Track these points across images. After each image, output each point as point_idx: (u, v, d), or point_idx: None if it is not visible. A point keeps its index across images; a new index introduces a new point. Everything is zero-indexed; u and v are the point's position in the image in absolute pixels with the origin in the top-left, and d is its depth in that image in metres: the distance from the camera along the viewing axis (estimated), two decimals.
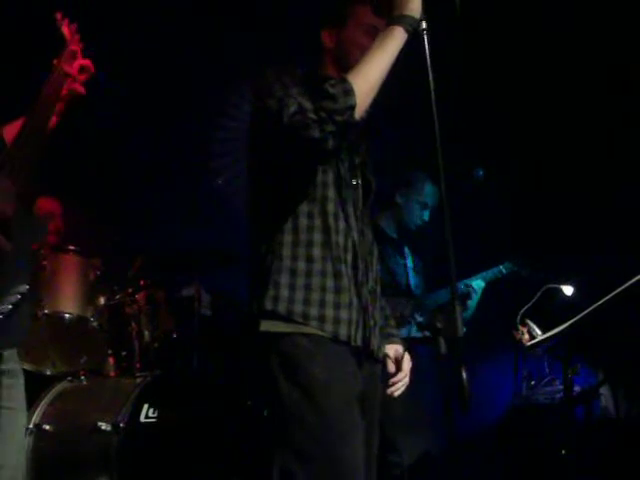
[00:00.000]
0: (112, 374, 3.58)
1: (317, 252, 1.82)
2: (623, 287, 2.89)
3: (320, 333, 1.78)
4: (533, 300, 3.74)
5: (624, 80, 4.01)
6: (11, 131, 1.99)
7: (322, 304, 1.80)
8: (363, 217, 1.98)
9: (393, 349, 2.07)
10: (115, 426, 2.90)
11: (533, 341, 3.45)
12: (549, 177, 4.37)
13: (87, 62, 2.17)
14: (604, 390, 3.46)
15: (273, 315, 1.79)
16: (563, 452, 3.25)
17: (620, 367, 3.38)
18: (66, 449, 2.94)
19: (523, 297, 3.77)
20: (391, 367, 2.05)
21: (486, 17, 3.80)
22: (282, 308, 1.78)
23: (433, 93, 1.66)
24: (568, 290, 3.83)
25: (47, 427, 2.98)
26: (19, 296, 1.77)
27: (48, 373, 3.37)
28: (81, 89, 2.14)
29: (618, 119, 4.09)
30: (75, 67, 2.13)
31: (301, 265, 1.81)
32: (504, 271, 3.81)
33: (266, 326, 1.80)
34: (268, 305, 1.79)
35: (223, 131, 4.73)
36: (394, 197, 3.67)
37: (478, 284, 3.72)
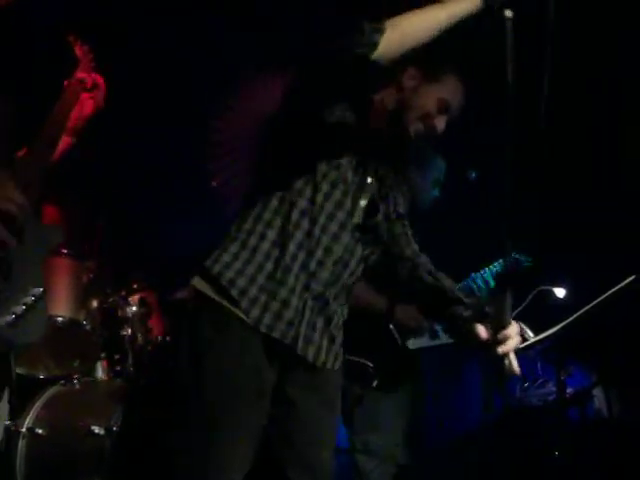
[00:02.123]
0: (105, 377, 3.56)
1: (271, 234, 1.88)
2: (615, 289, 2.90)
3: (233, 309, 1.82)
4: (525, 302, 3.74)
5: (621, 80, 4.03)
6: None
7: (251, 281, 1.85)
8: (348, 220, 1.97)
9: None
10: (108, 430, 2.89)
11: (525, 343, 3.45)
12: (545, 178, 4.37)
13: (98, 79, 2.25)
14: (597, 392, 3.47)
15: (206, 273, 1.87)
16: (556, 454, 3.26)
17: (613, 369, 3.39)
18: (59, 453, 2.92)
19: (515, 299, 3.77)
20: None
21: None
22: (216, 269, 1.86)
23: (511, 86, 1.63)
24: (560, 292, 3.83)
25: (40, 431, 2.96)
26: (33, 298, 1.81)
27: (41, 376, 3.35)
28: (100, 104, 2.21)
29: (616, 121, 4.11)
30: (87, 86, 2.23)
31: (252, 241, 1.88)
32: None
33: (195, 282, 1.89)
34: (207, 263, 1.89)
35: (219, 133, 4.73)
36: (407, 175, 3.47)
37: (493, 283, 3.67)
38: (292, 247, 1.88)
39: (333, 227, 1.93)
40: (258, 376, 1.84)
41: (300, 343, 1.88)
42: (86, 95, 2.22)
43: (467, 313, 1.98)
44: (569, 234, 4.24)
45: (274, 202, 1.90)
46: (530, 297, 3.73)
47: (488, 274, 3.70)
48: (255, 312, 1.83)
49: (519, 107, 1.65)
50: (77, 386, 3.27)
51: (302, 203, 1.90)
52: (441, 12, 1.72)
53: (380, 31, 1.70)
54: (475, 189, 3.66)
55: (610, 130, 4.13)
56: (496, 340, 1.78)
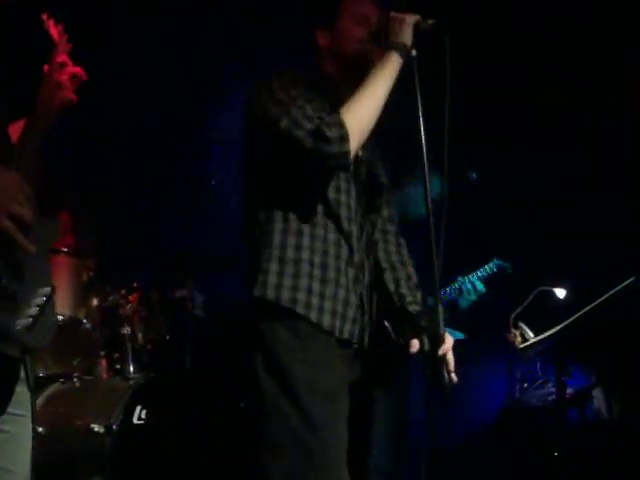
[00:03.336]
0: (105, 376, 3.56)
1: (306, 242, 1.86)
2: (615, 290, 2.91)
3: (304, 322, 1.80)
4: (526, 302, 3.75)
5: (619, 83, 4.04)
6: (14, 131, 1.96)
7: (309, 291, 1.82)
8: (365, 211, 2.00)
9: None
10: (108, 428, 2.89)
11: (525, 343, 3.46)
12: (544, 178, 4.39)
13: (78, 70, 2.12)
14: (597, 392, 3.47)
15: (262, 302, 1.82)
16: (556, 454, 3.27)
17: (613, 369, 3.39)
18: (59, 451, 2.92)
19: (516, 299, 3.78)
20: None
21: (485, 18, 3.83)
22: (270, 294, 1.81)
23: (421, 118, 1.82)
24: (560, 293, 3.84)
25: (40, 429, 2.96)
26: (44, 298, 1.76)
27: (41, 375, 3.35)
28: (72, 97, 2.09)
29: (614, 122, 4.11)
30: (66, 75, 2.06)
31: (290, 253, 1.84)
32: (494, 268, 3.80)
33: (257, 318, 1.83)
34: (257, 292, 1.82)
35: (218, 132, 4.73)
36: (400, 184, 3.48)
37: (481, 286, 3.69)
38: (332, 249, 1.88)
39: (353, 215, 1.94)
40: (345, 384, 1.86)
41: (366, 338, 1.93)
42: (67, 84, 2.04)
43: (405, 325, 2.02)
44: (570, 235, 4.24)
45: (296, 210, 1.88)
46: (531, 297, 3.74)
47: (475, 278, 3.71)
48: (327, 319, 1.83)
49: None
50: (77, 384, 3.27)
51: (321, 204, 1.90)
52: (380, 84, 1.86)
53: (345, 138, 1.77)
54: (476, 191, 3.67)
55: (614, 133, 4.14)
56: (437, 356, 1.80)
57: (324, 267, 1.86)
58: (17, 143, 1.90)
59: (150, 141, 4.54)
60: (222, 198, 4.55)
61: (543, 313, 3.72)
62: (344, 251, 1.90)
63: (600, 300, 2.95)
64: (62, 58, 2.05)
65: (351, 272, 1.91)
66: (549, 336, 3.15)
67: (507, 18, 3.99)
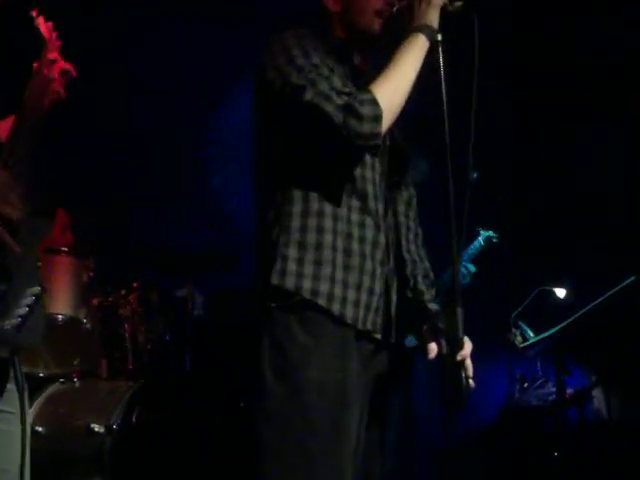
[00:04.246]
0: (105, 376, 3.57)
1: (329, 224, 1.71)
2: (615, 290, 2.91)
3: (324, 316, 1.67)
4: (526, 302, 3.76)
5: (619, 83, 4.04)
6: (2, 129, 1.95)
7: (332, 280, 1.68)
8: (387, 192, 1.87)
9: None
10: (108, 428, 2.89)
11: (526, 343, 3.46)
12: (544, 178, 4.39)
13: (68, 66, 2.10)
14: (597, 392, 3.48)
15: (279, 290, 1.66)
16: (556, 454, 3.27)
17: (613, 369, 3.40)
18: (59, 451, 2.92)
19: (516, 299, 3.78)
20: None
21: (484, 17, 3.83)
22: (290, 283, 1.66)
23: (446, 105, 1.70)
24: (561, 292, 3.85)
25: (40, 429, 2.96)
26: (33, 298, 1.76)
27: (41, 374, 3.35)
28: (62, 93, 2.07)
29: (614, 122, 4.12)
30: (56, 70, 2.04)
31: (311, 237, 1.69)
32: (483, 242, 3.77)
33: (272, 304, 1.68)
34: (274, 280, 1.66)
35: (217, 132, 4.74)
36: None
37: (472, 267, 3.67)
38: (356, 231, 1.74)
39: (378, 191, 1.81)
40: (360, 384, 1.73)
41: (393, 332, 1.81)
42: (58, 81, 2.04)
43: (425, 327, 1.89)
44: (570, 235, 4.25)
45: (317, 190, 1.72)
46: (531, 297, 3.75)
47: (466, 259, 3.69)
48: (350, 311, 1.70)
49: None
50: (77, 384, 3.26)
51: (345, 181, 1.74)
52: (410, 66, 1.72)
53: (379, 118, 1.63)
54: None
55: (614, 134, 4.15)
56: (454, 361, 1.70)
57: (347, 252, 1.71)
58: (6, 141, 1.89)
59: (150, 141, 4.54)
60: (222, 198, 4.55)
61: (543, 313, 3.73)
62: (369, 232, 1.76)
63: (600, 300, 2.95)
64: (53, 55, 2.04)
65: (378, 254, 1.77)
66: (549, 336, 3.15)
67: (506, 18, 3.99)
